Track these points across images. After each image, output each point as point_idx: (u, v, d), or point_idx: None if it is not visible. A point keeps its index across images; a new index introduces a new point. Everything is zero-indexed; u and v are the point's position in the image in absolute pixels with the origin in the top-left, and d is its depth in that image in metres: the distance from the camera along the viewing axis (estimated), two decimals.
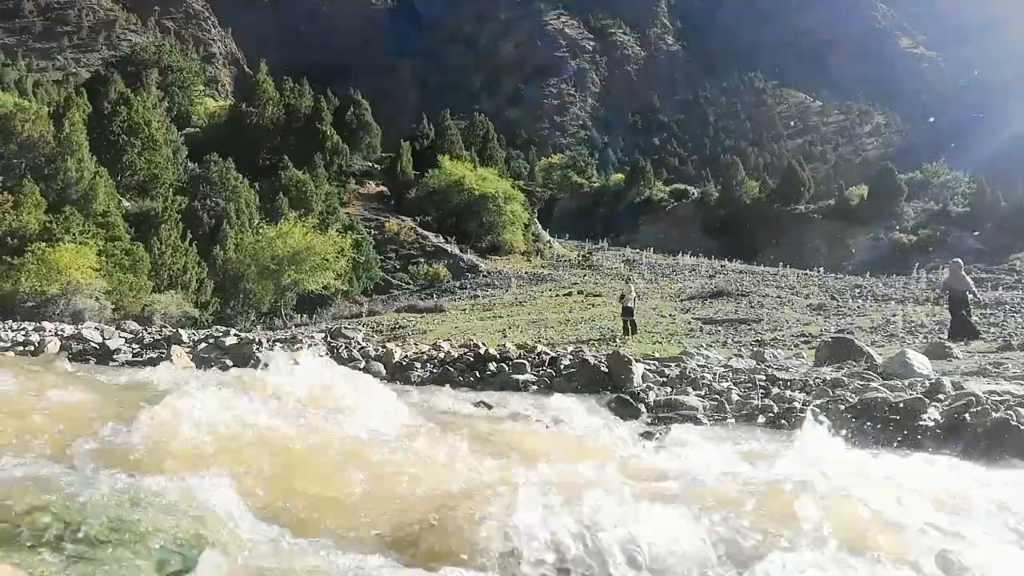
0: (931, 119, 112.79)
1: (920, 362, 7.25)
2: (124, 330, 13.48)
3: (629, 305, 17.66)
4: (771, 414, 6.01)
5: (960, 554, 2.36)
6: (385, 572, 2.25)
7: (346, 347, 10.80)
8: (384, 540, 2.53)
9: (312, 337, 12.79)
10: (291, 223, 30.80)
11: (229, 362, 9.83)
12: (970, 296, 13.02)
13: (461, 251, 41.29)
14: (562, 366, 8.67)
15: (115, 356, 10.76)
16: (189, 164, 39.67)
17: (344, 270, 31.74)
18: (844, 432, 4.38)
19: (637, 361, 8.24)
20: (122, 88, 38.10)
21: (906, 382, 6.47)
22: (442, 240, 42.03)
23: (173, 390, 3.85)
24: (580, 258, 45.19)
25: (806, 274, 37.23)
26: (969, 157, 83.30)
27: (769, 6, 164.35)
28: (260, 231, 31.75)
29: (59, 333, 12.25)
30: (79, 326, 13.68)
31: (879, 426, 5.06)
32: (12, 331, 12.62)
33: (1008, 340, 11.56)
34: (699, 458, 3.69)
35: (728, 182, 73.00)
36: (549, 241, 49.39)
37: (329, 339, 12.87)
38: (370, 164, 51.04)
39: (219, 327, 17.80)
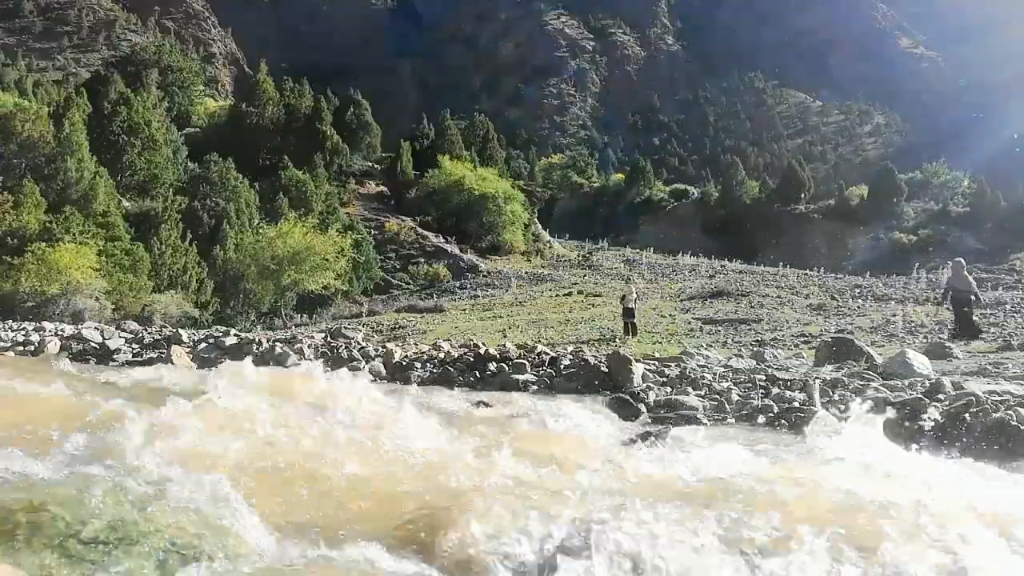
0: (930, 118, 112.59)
1: (920, 362, 7.26)
2: (124, 330, 13.48)
3: (630, 306, 17.61)
4: (771, 414, 6.01)
5: (960, 554, 2.36)
6: (385, 572, 2.25)
7: (346, 347, 10.80)
8: (384, 540, 2.53)
9: (312, 337, 12.77)
10: (291, 223, 30.77)
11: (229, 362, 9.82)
12: (972, 297, 13.01)
13: (461, 251, 41.26)
14: (562, 366, 8.65)
15: (115, 356, 10.77)
16: (189, 164, 39.63)
17: (344, 270, 31.72)
18: (845, 432, 4.37)
19: (637, 361, 8.24)
20: (122, 88, 38.07)
21: (906, 382, 6.48)
22: (442, 240, 42.00)
23: (173, 390, 3.85)
24: (580, 258, 45.13)
25: (806, 274, 37.21)
26: (969, 157, 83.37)
27: (769, 6, 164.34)
28: (260, 231, 31.72)
29: (59, 333, 12.26)
30: (79, 326, 13.68)
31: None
32: (12, 331, 12.62)
33: (1008, 340, 11.56)
34: (699, 458, 3.68)
35: (728, 182, 73.00)
36: (549, 241, 49.36)
37: (329, 339, 12.87)
38: (370, 164, 51.01)
39: (219, 327, 17.78)
